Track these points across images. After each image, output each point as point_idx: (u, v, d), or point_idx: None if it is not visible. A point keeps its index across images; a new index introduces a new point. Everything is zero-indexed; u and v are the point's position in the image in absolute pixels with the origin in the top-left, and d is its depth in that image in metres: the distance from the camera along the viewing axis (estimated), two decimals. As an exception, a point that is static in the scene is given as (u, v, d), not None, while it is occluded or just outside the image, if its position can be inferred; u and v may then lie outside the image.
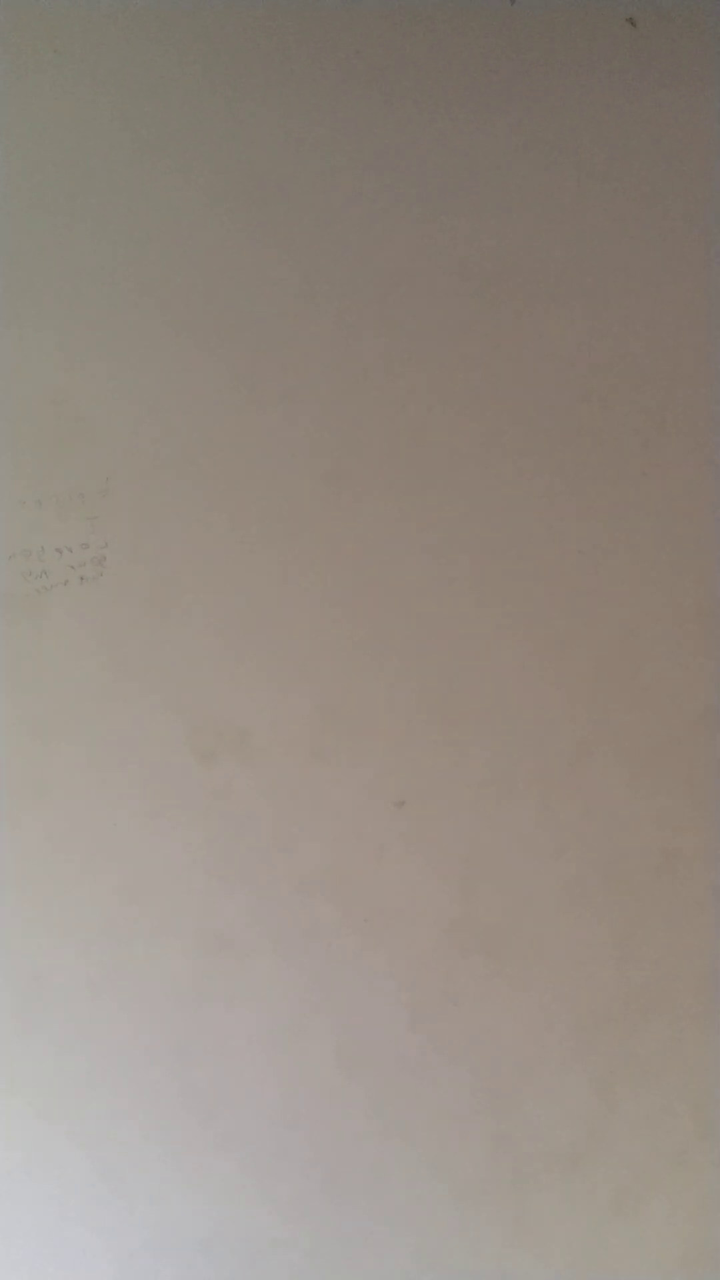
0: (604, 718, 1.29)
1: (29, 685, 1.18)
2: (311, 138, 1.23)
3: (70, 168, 1.19)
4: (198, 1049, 1.21)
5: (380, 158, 1.25)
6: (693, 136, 1.30)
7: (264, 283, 1.22)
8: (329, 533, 1.24)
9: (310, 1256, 1.23)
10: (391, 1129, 1.25)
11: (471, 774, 1.26)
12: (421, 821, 1.25)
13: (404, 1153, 1.25)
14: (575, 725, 1.28)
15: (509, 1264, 1.27)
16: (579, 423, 1.29)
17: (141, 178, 1.20)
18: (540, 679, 1.28)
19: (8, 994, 1.18)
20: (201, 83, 1.21)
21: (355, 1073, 1.24)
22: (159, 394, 1.21)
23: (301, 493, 1.23)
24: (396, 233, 1.25)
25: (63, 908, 1.19)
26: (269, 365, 1.23)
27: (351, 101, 1.24)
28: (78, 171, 1.19)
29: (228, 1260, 1.21)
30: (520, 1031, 1.27)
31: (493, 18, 1.27)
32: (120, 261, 1.20)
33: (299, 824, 1.23)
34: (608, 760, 1.29)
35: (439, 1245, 1.26)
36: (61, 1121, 1.19)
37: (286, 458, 1.23)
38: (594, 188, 1.29)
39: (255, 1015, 1.22)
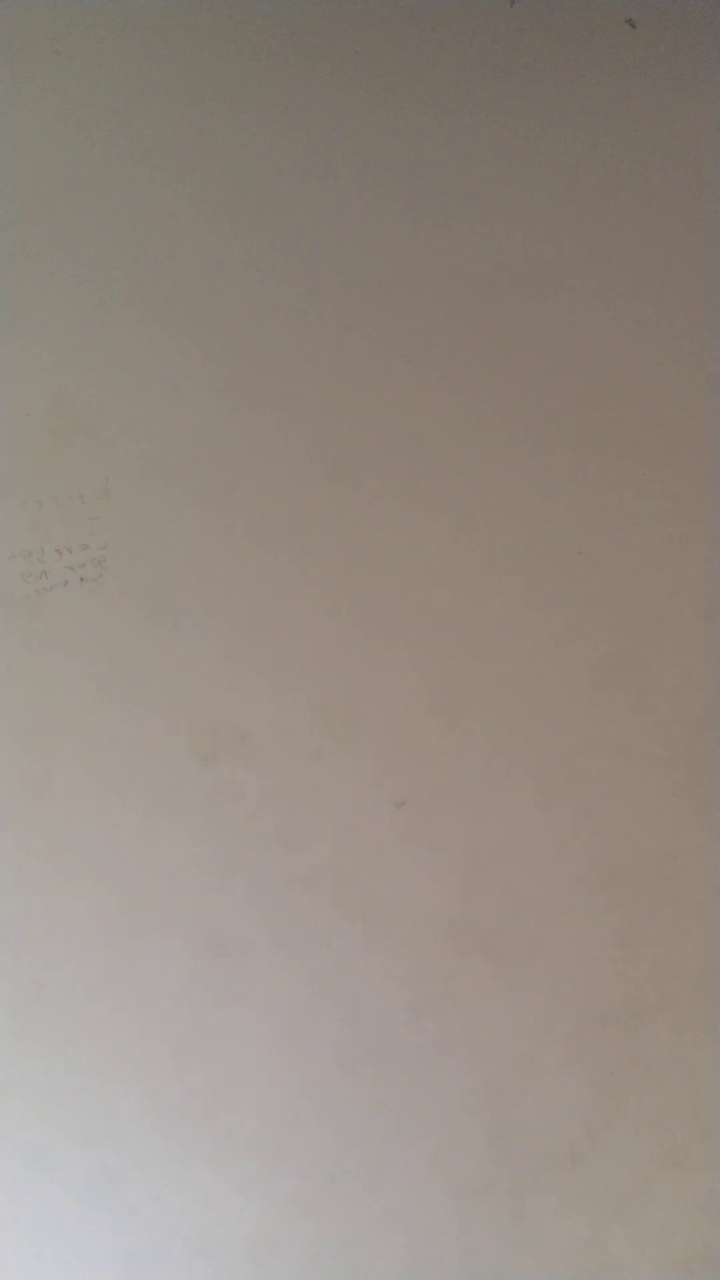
0: (604, 718, 1.29)
1: (29, 685, 1.18)
2: (311, 138, 1.23)
3: (70, 168, 1.19)
4: (198, 1049, 1.21)
5: (379, 158, 1.25)
6: (693, 137, 1.31)
7: (263, 284, 1.22)
8: (329, 533, 1.24)
9: (310, 1256, 1.23)
10: (391, 1129, 1.25)
11: (471, 774, 1.26)
12: (421, 821, 1.25)
13: (404, 1153, 1.25)
14: (575, 725, 1.28)
15: (509, 1264, 1.27)
16: (579, 423, 1.29)
17: (141, 178, 1.20)
18: (540, 679, 1.28)
19: (8, 994, 1.18)
20: (201, 83, 1.21)
21: (355, 1073, 1.24)
22: (159, 394, 1.21)
23: (301, 493, 1.23)
24: (395, 233, 1.25)
25: (63, 908, 1.19)
26: (268, 366, 1.23)
27: (351, 102, 1.24)
28: (78, 172, 1.19)
29: (228, 1260, 1.21)
30: (520, 1031, 1.27)
31: (493, 18, 1.27)
32: (120, 262, 1.20)
33: (299, 824, 1.23)
34: (608, 760, 1.29)
35: (439, 1245, 1.26)
36: (61, 1122, 1.19)
37: (286, 458, 1.23)
38: (593, 188, 1.29)
39: (255, 1015, 1.22)
